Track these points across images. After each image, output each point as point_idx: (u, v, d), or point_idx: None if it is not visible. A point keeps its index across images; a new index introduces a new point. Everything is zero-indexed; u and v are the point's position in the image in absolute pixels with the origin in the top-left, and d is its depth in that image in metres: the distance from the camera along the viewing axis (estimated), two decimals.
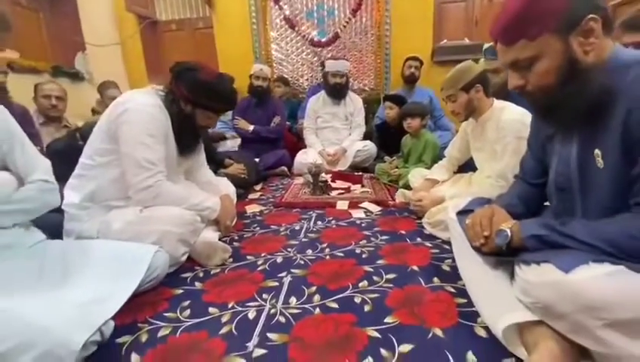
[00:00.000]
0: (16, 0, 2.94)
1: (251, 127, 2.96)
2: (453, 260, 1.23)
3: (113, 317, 0.89)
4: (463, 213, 1.11)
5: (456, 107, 1.53)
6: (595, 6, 0.70)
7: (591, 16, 0.69)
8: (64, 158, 1.39)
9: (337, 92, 2.98)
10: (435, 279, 1.14)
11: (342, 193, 2.25)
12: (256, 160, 2.81)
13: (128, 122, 1.19)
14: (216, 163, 2.35)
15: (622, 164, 0.70)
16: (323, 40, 3.78)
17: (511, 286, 0.86)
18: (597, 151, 0.74)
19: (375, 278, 1.16)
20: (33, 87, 2.33)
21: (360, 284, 1.13)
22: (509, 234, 0.82)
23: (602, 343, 0.64)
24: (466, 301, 1.00)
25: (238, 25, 3.79)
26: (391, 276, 1.17)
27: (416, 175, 2.09)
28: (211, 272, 1.26)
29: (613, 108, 0.69)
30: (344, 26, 3.70)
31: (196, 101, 1.31)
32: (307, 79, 3.94)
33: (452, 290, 1.07)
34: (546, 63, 0.73)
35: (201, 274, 1.25)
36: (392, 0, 3.53)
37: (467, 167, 1.87)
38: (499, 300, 0.85)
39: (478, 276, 0.97)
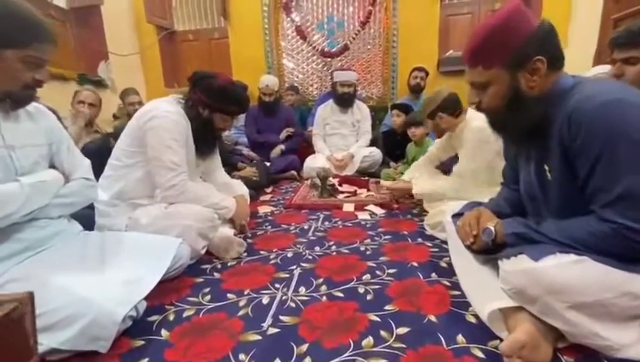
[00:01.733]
0: (46, 12, 3.16)
1: (281, 147, 3.11)
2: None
3: (145, 299, 1.02)
4: (456, 216, 1.21)
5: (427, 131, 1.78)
6: (544, 49, 0.81)
7: (538, 57, 0.80)
8: (98, 159, 1.54)
9: (345, 101, 3.11)
10: (433, 274, 1.24)
11: (348, 196, 2.37)
12: (267, 164, 2.95)
13: (155, 128, 1.33)
14: (231, 166, 2.49)
15: (566, 177, 0.82)
16: (333, 50, 3.93)
17: (497, 280, 0.96)
18: (545, 167, 0.88)
19: (377, 272, 1.27)
20: (73, 93, 2.52)
21: (363, 277, 1.23)
22: (494, 231, 0.92)
23: (569, 323, 0.74)
24: (459, 293, 1.10)
25: (251, 35, 3.97)
26: (392, 271, 1.28)
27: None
28: (228, 264, 1.39)
29: (551, 130, 0.82)
30: (353, 38, 3.85)
31: (213, 105, 1.45)
32: (317, 88, 4.09)
33: (447, 284, 1.17)
34: (495, 90, 0.86)
35: (219, 266, 1.38)
36: (399, 12, 3.67)
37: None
38: (485, 290, 0.95)
39: (468, 270, 1.07)
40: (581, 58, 3.15)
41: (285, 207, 2.18)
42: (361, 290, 1.15)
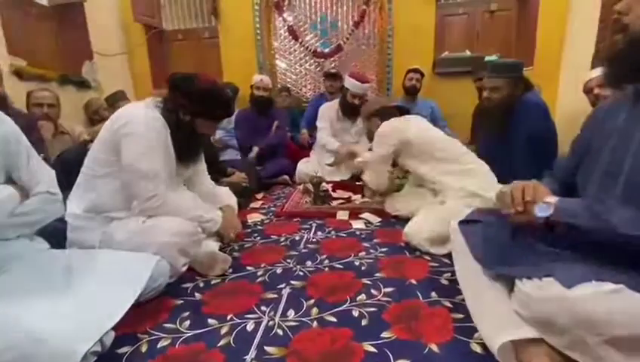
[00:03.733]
0: (26, 10, 3.02)
1: (255, 150, 2.95)
2: (452, 274, 1.24)
3: (114, 327, 0.91)
4: (465, 223, 1.12)
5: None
6: None
7: None
8: (77, 167, 1.42)
9: (352, 111, 2.91)
10: (433, 293, 1.15)
11: (342, 203, 2.27)
12: (258, 168, 2.84)
13: (130, 135, 1.22)
14: (219, 172, 2.38)
15: None
16: (326, 51, 3.83)
17: (509, 300, 0.86)
18: None
19: (373, 291, 1.17)
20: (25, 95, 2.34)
21: (358, 298, 1.13)
22: (551, 209, 0.80)
23: (599, 359, 0.65)
24: (462, 316, 1.01)
25: (242, 35, 3.85)
26: (389, 289, 1.18)
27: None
28: (211, 283, 1.28)
29: None
30: (347, 38, 3.76)
31: (194, 109, 1.33)
32: (310, 89, 3.99)
33: (449, 305, 1.08)
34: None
35: (201, 285, 1.27)
36: (394, 12, 3.58)
37: None
38: (496, 316, 0.86)
39: (477, 288, 0.97)
40: (579, 59, 3.10)
41: (276, 216, 2.07)
42: (356, 313, 1.05)
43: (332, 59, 3.85)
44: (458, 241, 1.09)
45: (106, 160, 1.28)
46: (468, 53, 3.60)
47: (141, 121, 1.24)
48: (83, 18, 3.41)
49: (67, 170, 1.40)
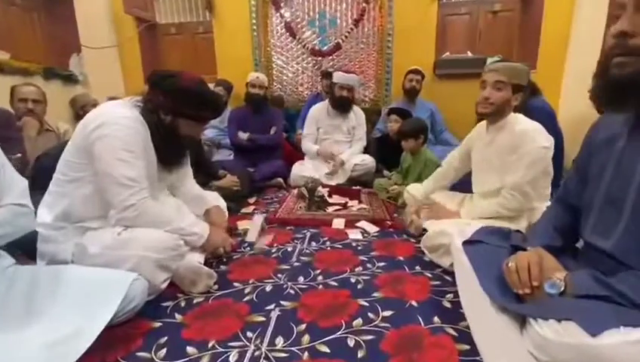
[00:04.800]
0: (11, 0, 2.86)
1: (246, 135, 2.88)
2: (455, 295, 1.15)
3: (80, 358, 0.80)
4: (470, 244, 1.03)
5: (494, 96, 1.41)
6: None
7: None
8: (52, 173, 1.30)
9: (343, 105, 2.88)
10: (436, 318, 1.05)
11: (338, 209, 2.17)
12: (251, 170, 2.72)
13: (104, 137, 1.10)
14: (210, 174, 2.26)
15: None
16: (324, 49, 3.71)
17: (520, 337, 0.78)
18: None
19: (370, 315, 1.07)
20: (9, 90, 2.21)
21: (354, 323, 1.04)
22: (562, 285, 0.74)
23: None
24: (468, 348, 0.92)
25: (238, 31, 3.72)
26: (387, 313, 1.08)
27: (412, 190, 2.02)
28: (194, 301, 1.17)
29: None
30: (346, 36, 3.64)
31: (177, 110, 1.22)
32: (307, 88, 3.87)
33: (454, 333, 0.99)
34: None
35: (182, 304, 1.16)
36: (395, 11, 3.47)
37: (463, 187, 1.80)
38: (507, 354, 0.77)
39: (483, 319, 0.88)
40: (584, 63, 3.02)
41: (268, 223, 1.96)
42: (351, 343, 0.95)
43: (330, 57, 3.73)
44: (462, 262, 1.01)
45: (79, 164, 1.16)
46: (469, 54, 3.51)
47: (117, 122, 1.12)
48: (71, 9, 3.26)
49: (46, 175, 1.27)
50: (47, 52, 3.18)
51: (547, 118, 1.81)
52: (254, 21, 3.68)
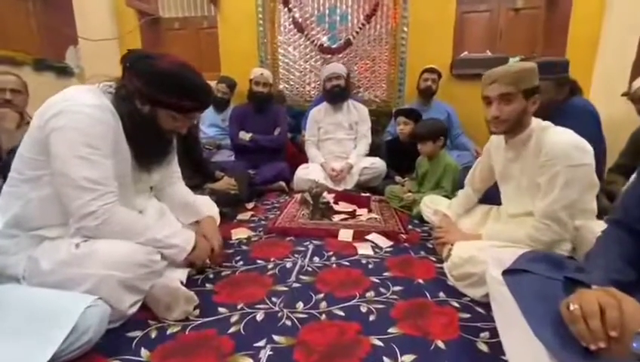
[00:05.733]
0: None
1: (249, 135, 2.68)
2: (492, 333, 0.92)
3: None
4: (511, 273, 0.80)
5: (505, 113, 1.15)
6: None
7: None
8: None
9: (336, 95, 2.70)
10: None
11: (345, 218, 1.94)
12: (251, 172, 2.51)
13: (61, 129, 0.89)
14: (205, 176, 2.05)
15: None
16: (333, 46, 3.51)
17: None
18: None
19: (386, 360, 0.84)
20: None
21: None
22: None
23: None
24: None
25: (243, 26, 3.55)
26: (408, 358, 0.85)
27: (429, 203, 1.78)
28: (168, 332, 0.95)
29: None
30: (357, 33, 3.44)
31: (154, 97, 1.01)
32: (314, 87, 3.66)
33: None
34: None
35: (152, 335, 0.94)
36: (410, 7, 3.26)
37: (490, 197, 1.55)
38: None
39: None
40: (615, 65, 2.77)
41: (266, 232, 1.74)
42: None
43: (340, 55, 3.52)
44: (504, 298, 0.79)
45: (34, 160, 0.95)
46: (489, 53, 3.28)
47: (79, 111, 0.91)
48: None
49: None
50: (43, 43, 3.01)
51: (590, 120, 1.56)
52: (260, 16, 3.50)
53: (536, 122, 1.21)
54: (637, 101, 1.93)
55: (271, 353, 0.87)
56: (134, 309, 0.97)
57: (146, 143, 1.06)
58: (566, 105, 1.58)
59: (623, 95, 2.37)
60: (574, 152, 1.07)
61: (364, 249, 1.53)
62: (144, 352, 0.87)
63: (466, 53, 3.31)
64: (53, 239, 0.98)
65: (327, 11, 3.51)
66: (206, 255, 1.20)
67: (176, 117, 1.06)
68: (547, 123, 1.20)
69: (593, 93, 3.06)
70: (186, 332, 0.95)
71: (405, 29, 3.30)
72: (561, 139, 1.11)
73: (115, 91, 1.02)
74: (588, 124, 1.54)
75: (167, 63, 1.00)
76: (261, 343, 0.90)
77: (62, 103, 0.92)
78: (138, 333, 0.94)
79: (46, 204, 0.97)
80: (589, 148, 1.10)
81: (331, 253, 1.49)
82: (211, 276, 1.26)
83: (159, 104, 1.02)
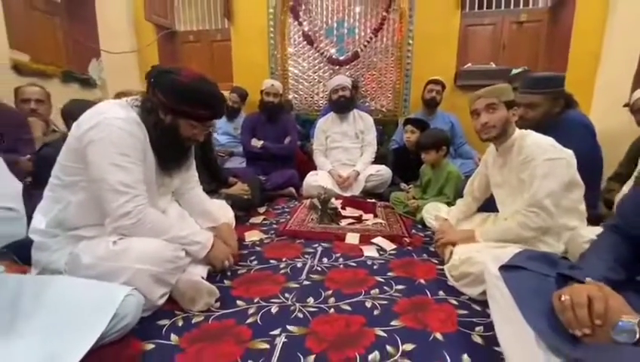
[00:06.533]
0: (33, 4, 2.92)
1: (260, 143, 2.81)
2: (487, 328, 1.01)
3: None
4: (508, 269, 0.89)
5: (492, 119, 1.33)
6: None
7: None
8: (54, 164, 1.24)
9: (343, 106, 2.83)
10: (465, 356, 0.91)
11: (352, 223, 2.04)
12: (262, 178, 2.64)
13: (97, 141, 1.02)
14: (220, 181, 2.18)
15: None
16: (342, 58, 3.65)
17: None
18: None
19: (389, 349, 0.94)
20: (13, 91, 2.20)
21: (370, 357, 0.90)
22: (638, 331, 0.60)
23: None
24: None
25: (255, 39, 3.71)
26: (409, 347, 0.95)
27: (431, 210, 1.89)
28: (192, 321, 1.06)
29: None
30: (364, 46, 3.57)
31: (176, 108, 1.13)
32: (323, 97, 3.80)
33: None
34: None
35: (180, 323, 1.05)
36: (416, 20, 3.39)
37: (489, 206, 1.64)
38: None
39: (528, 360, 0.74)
40: (617, 76, 2.84)
41: (278, 235, 1.85)
42: None
43: (347, 66, 3.66)
44: (500, 292, 0.87)
45: (72, 167, 1.08)
46: (493, 65, 3.37)
47: (111, 124, 1.04)
48: (93, 15, 3.32)
49: (48, 168, 1.20)
50: (68, 56, 3.23)
51: (585, 131, 1.65)
52: (272, 29, 3.67)
53: (518, 131, 1.37)
54: (637, 112, 2.01)
55: (285, 340, 0.97)
56: (163, 300, 1.08)
57: (168, 150, 1.19)
58: (562, 118, 1.67)
59: (624, 106, 2.44)
60: (550, 148, 1.24)
61: (369, 251, 1.63)
62: (173, 337, 0.98)
63: (469, 64, 3.41)
64: (90, 238, 1.11)
65: (335, 24, 3.66)
66: (224, 257, 1.30)
67: (194, 125, 1.18)
68: (527, 131, 1.36)
69: (595, 104, 3.13)
70: (209, 322, 1.06)
71: (411, 41, 3.42)
72: (537, 140, 1.29)
73: (141, 104, 1.14)
74: (583, 136, 1.64)
75: (187, 77, 1.12)
76: (276, 331, 1.01)
77: (97, 117, 1.05)
78: (167, 322, 1.05)
79: (83, 207, 1.10)
80: (564, 149, 1.26)
81: (339, 255, 1.59)
82: (229, 274, 1.38)
83: (180, 114, 1.14)
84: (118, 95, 2.85)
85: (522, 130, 1.38)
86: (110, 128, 1.03)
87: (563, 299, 0.70)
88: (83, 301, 0.89)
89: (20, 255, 1.30)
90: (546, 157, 1.23)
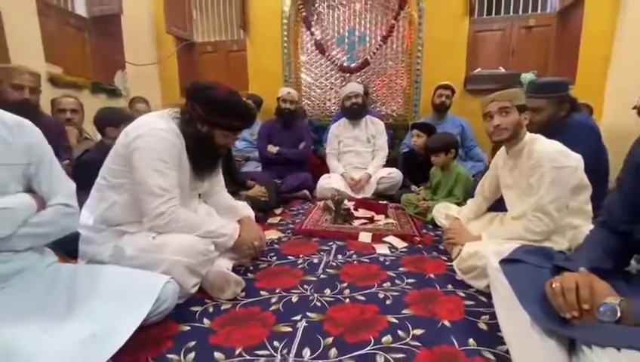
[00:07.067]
0: (65, 20, 3.15)
1: (276, 149, 2.94)
2: (492, 316, 1.09)
3: (114, 356, 0.82)
4: (508, 263, 0.98)
5: (505, 122, 1.38)
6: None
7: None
8: (94, 169, 1.39)
9: (356, 112, 2.94)
10: (471, 341, 0.99)
11: (365, 223, 2.14)
12: (278, 181, 2.76)
13: (141, 148, 1.16)
14: (239, 184, 2.32)
15: None
16: (352, 66, 3.77)
17: None
18: None
19: (400, 333, 1.03)
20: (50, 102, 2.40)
21: (383, 339, 1.00)
22: (618, 310, 0.68)
23: None
24: None
25: (269, 48, 3.87)
26: (418, 331, 1.04)
27: (441, 209, 1.97)
28: (222, 307, 1.18)
29: None
30: (374, 53, 3.68)
31: (213, 120, 1.27)
32: (334, 103, 3.93)
33: (491, 357, 0.93)
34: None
35: (210, 309, 1.17)
36: (425, 27, 3.49)
37: (499, 206, 1.72)
38: None
39: (527, 345, 0.82)
40: (628, 79, 2.87)
41: (294, 233, 1.97)
42: (381, 359, 0.91)
43: (358, 73, 3.78)
44: (500, 283, 0.96)
45: (118, 170, 1.22)
46: (502, 70, 3.44)
47: (154, 134, 1.18)
48: (119, 29, 3.53)
49: (88, 172, 1.35)
50: (96, 68, 3.45)
51: (590, 134, 1.71)
52: (285, 39, 3.82)
53: (528, 135, 1.43)
54: None
55: (306, 324, 1.08)
56: (195, 289, 1.20)
57: (203, 157, 1.32)
58: (567, 121, 1.73)
59: (633, 108, 2.48)
60: (558, 156, 1.29)
61: (381, 249, 1.72)
62: (206, 321, 1.10)
63: (479, 69, 3.48)
64: (132, 233, 1.24)
65: (346, 33, 3.79)
66: (250, 241, 1.42)
67: (227, 135, 1.32)
68: (537, 135, 1.42)
69: (606, 108, 3.15)
70: (236, 309, 1.17)
71: (420, 48, 3.52)
72: (547, 146, 1.34)
73: (181, 116, 1.28)
74: (588, 138, 1.70)
75: (221, 92, 1.26)
76: (297, 317, 1.11)
77: (143, 128, 1.19)
78: (199, 308, 1.17)
79: (126, 206, 1.24)
80: (573, 154, 1.32)
81: (352, 252, 1.69)
82: (251, 268, 1.49)
83: (216, 125, 1.28)
84: (133, 101, 3.04)
85: (532, 134, 1.44)
86: (153, 138, 1.17)
87: (554, 286, 0.79)
88: (130, 286, 1.01)
89: (65, 248, 1.45)
90: (554, 165, 1.28)
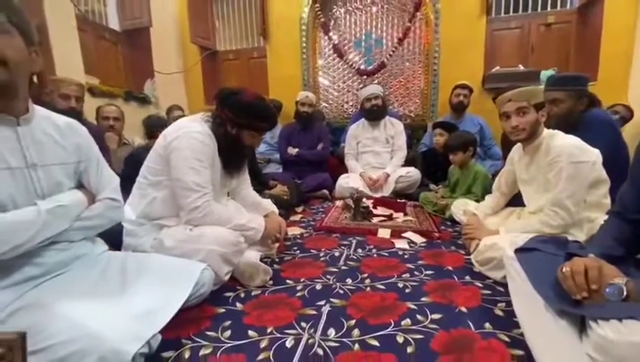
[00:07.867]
0: (100, 34, 3.39)
1: (295, 150, 3.05)
2: (508, 304, 1.14)
3: (160, 331, 0.93)
4: (523, 251, 1.03)
5: (523, 123, 1.40)
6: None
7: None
8: (141, 164, 1.53)
9: (375, 114, 3.00)
10: (487, 324, 1.05)
11: (383, 220, 2.20)
12: (298, 181, 2.87)
13: (179, 149, 1.29)
14: (262, 184, 2.44)
15: None
16: (369, 68, 3.85)
17: (579, 342, 0.76)
18: None
19: (419, 317, 1.10)
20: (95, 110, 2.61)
21: (402, 322, 1.07)
22: (625, 289, 0.73)
23: None
24: (522, 353, 0.91)
25: (289, 54, 4.01)
26: (437, 316, 1.10)
27: (459, 205, 2.01)
28: (252, 293, 1.28)
29: None
30: (390, 55, 3.75)
31: (241, 122, 1.39)
32: (352, 105, 4.01)
33: (506, 339, 0.98)
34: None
35: (242, 295, 1.27)
36: (441, 27, 3.52)
37: (517, 201, 1.74)
38: (565, 359, 0.76)
39: (540, 326, 0.87)
40: None
41: (315, 230, 2.06)
42: (400, 339, 0.98)
43: (375, 75, 3.85)
44: (515, 271, 1.01)
45: (157, 169, 1.35)
46: (521, 67, 3.42)
47: (190, 136, 1.30)
48: (148, 41, 3.76)
49: (137, 165, 1.50)
50: (128, 78, 3.69)
51: (608, 129, 1.71)
52: (304, 45, 3.95)
53: (546, 131, 1.45)
54: None
55: (330, 309, 1.16)
56: (228, 277, 1.31)
57: (233, 156, 1.44)
58: (585, 116, 1.74)
59: None
60: (575, 151, 1.31)
61: (400, 244, 1.79)
62: (239, 305, 1.20)
63: (497, 68, 3.47)
64: (170, 226, 1.37)
65: (363, 37, 3.88)
66: (275, 231, 1.54)
67: (254, 135, 1.44)
68: (555, 131, 1.44)
69: (632, 101, 3.08)
70: (266, 295, 1.27)
71: (437, 48, 3.55)
72: (564, 141, 1.36)
73: (213, 119, 1.41)
74: (606, 133, 1.70)
75: (249, 96, 1.38)
76: (321, 302, 1.20)
77: (180, 130, 1.32)
78: (232, 294, 1.28)
79: (165, 202, 1.37)
80: (590, 149, 1.34)
81: (372, 246, 1.76)
82: (277, 260, 1.59)
83: (244, 127, 1.39)
84: (170, 109, 3.24)
85: (550, 130, 1.46)
86: (189, 140, 1.29)
87: (565, 270, 0.84)
88: (172, 271, 1.13)
89: (110, 241, 1.59)
90: (572, 160, 1.30)
